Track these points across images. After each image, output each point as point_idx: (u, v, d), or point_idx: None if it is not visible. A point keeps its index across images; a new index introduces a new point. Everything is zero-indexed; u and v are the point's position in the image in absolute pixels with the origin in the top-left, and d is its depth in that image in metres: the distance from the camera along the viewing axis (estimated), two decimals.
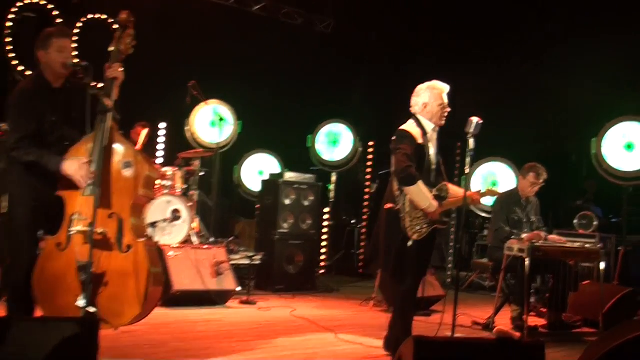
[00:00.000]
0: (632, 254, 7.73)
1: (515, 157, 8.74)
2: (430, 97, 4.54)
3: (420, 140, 4.46)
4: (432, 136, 4.58)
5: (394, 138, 4.52)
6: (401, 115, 4.72)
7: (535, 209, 6.39)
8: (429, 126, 4.55)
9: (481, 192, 4.88)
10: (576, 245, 6.03)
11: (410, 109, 4.62)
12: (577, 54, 8.87)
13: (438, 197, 4.49)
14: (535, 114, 9.70)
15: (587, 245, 6.04)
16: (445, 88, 4.59)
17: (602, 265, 5.96)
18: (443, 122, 4.59)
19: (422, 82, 4.66)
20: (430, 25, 9.69)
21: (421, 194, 4.38)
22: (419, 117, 4.56)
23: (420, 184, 4.37)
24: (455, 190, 4.66)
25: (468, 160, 4.54)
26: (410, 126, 4.54)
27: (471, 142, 4.51)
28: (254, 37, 9.80)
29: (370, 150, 9.65)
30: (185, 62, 8.73)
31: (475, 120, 4.49)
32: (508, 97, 9.84)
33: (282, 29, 10.23)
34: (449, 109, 4.58)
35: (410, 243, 4.37)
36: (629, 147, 7.49)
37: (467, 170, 4.64)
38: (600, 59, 8.53)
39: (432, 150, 4.55)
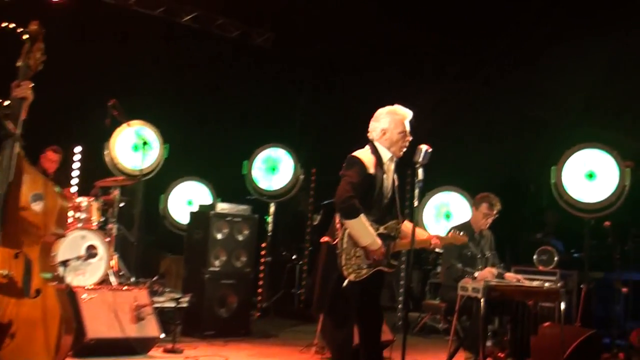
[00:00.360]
0: (594, 292, 7.93)
1: (470, 186, 8.92)
2: (390, 123, 4.51)
3: (371, 170, 4.41)
4: (389, 166, 4.54)
5: (344, 164, 4.47)
6: (348, 140, 4.72)
7: (490, 243, 6.54)
8: (386, 155, 4.52)
9: (442, 236, 4.88)
10: (535, 284, 6.14)
11: (368, 134, 4.59)
12: (536, 77, 9.18)
13: (387, 237, 4.45)
14: (492, 139, 9.92)
15: (546, 284, 6.16)
16: (407, 114, 4.56)
17: (563, 306, 6.12)
18: (401, 154, 4.57)
19: (371, 103, 4.66)
20: (378, 42, 9.85)
21: (363, 229, 4.30)
22: (376, 143, 4.53)
23: (363, 217, 4.29)
24: (410, 230, 4.53)
25: (417, 192, 4.52)
26: (364, 153, 4.50)
27: (420, 173, 4.45)
28: (184, 52, 9.80)
29: (313, 178, 9.71)
30: (104, 79, 8.67)
31: (424, 148, 4.43)
32: (462, 121, 10.07)
33: (215, 43, 10.26)
34: (410, 138, 4.55)
35: (345, 283, 4.31)
36: (590, 176, 7.70)
37: (416, 203, 4.66)
38: (560, 83, 8.85)
39: (385, 182, 4.50)
